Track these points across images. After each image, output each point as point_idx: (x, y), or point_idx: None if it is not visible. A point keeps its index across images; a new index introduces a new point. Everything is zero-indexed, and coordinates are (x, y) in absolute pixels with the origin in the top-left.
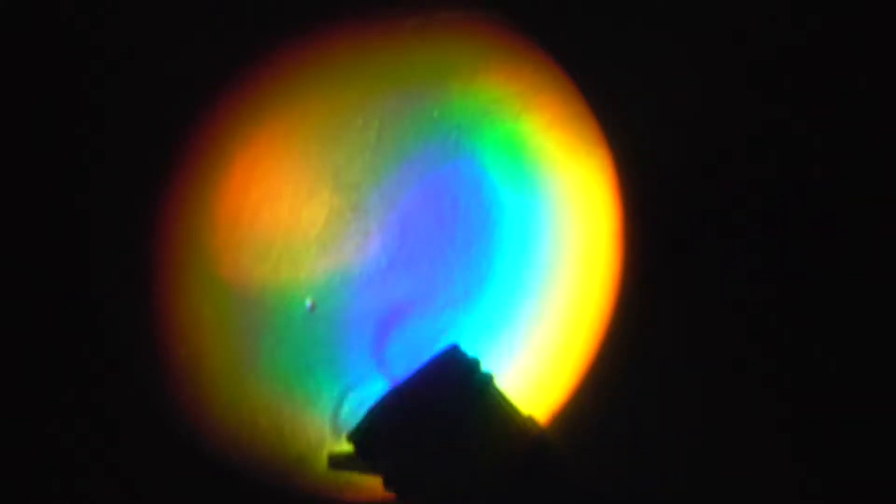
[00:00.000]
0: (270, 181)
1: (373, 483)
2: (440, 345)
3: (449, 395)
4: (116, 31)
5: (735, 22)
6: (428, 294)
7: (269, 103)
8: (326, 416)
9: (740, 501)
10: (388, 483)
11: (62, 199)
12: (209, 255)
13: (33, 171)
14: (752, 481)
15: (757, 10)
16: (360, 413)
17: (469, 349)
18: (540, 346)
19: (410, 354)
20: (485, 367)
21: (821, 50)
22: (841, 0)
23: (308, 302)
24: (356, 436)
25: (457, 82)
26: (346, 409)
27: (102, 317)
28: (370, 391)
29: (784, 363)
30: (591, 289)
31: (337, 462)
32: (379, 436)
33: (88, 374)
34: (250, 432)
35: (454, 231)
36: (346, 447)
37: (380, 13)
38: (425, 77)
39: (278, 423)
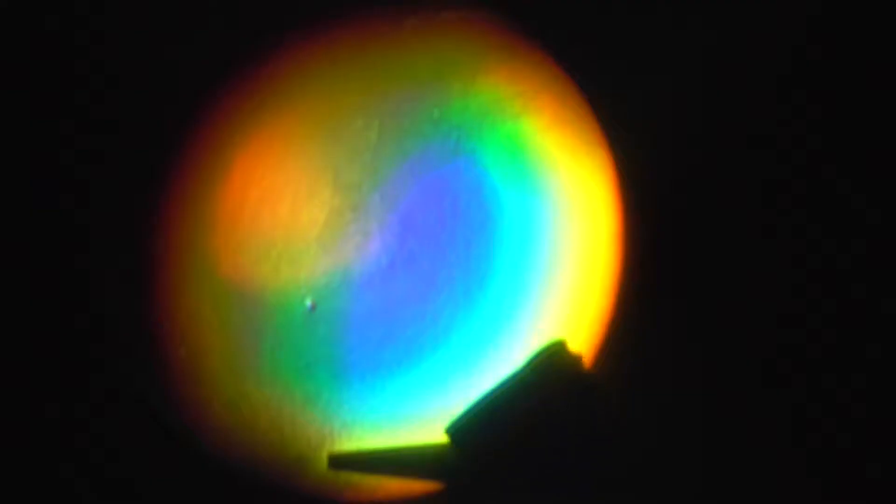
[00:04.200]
0: (270, 181)
1: (373, 483)
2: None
3: (552, 393)
4: (116, 31)
5: (735, 22)
6: (428, 294)
7: (269, 103)
8: (327, 416)
9: (741, 501)
10: (481, 478)
11: (62, 199)
12: (209, 255)
13: (33, 172)
14: (752, 483)
15: (757, 9)
16: (461, 410)
17: (469, 349)
18: (540, 346)
19: (410, 354)
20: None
21: (821, 49)
22: (841, 1)
23: (308, 302)
24: (454, 431)
25: (457, 82)
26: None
27: (102, 317)
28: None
29: (784, 362)
30: (590, 288)
31: (337, 462)
32: (478, 431)
33: (88, 373)
34: (250, 432)
35: (454, 231)
36: (347, 447)
37: (380, 13)
38: (425, 77)
39: (278, 423)
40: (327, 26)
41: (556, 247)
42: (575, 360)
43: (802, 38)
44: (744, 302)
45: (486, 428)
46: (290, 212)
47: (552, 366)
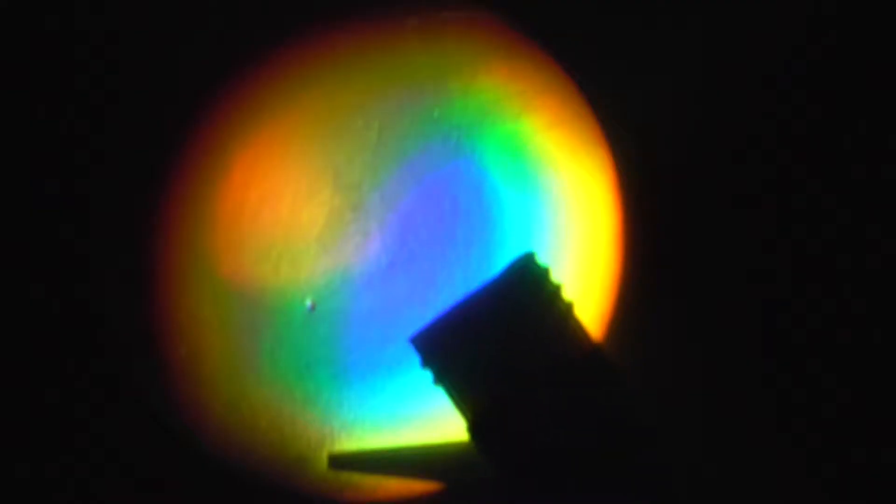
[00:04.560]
0: (270, 181)
1: (373, 483)
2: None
3: (520, 302)
4: (117, 31)
5: (735, 22)
6: (428, 294)
7: (269, 103)
8: (327, 416)
9: (738, 501)
10: (445, 387)
11: (62, 199)
12: (209, 255)
13: (34, 172)
14: (752, 483)
15: (756, 9)
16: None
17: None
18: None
19: (410, 354)
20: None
21: (820, 49)
22: (840, 1)
23: (308, 302)
24: (421, 340)
25: (457, 82)
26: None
27: (102, 316)
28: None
29: (783, 363)
30: (591, 288)
31: (337, 462)
32: (444, 341)
33: (89, 374)
34: (250, 432)
35: (454, 231)
36: (347, 447)
37: (380, 13)
38: (425, 77)
39: (278, 423)
40: (327, 26)
41: (556, 246)
42: (543, 272)
43: (802, 38)
44: (744, 302)
45: (451, 336)
46: (290, 212)
47: (520, 276)
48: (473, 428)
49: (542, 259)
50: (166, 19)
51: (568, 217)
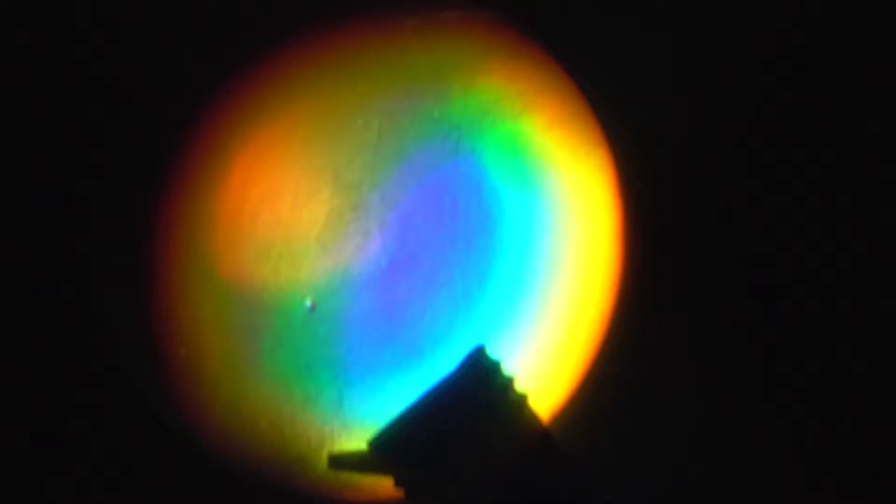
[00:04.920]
0: (270, 181)
1: (373, 483)
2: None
3: (471, 401)
4: (117, 32)
5: (734, 23)
6: (428, 294)
7: (269, 103)
8: (327, 416)
9: (735, 500)
10: (404, 488)
11: (63, 200)
12: (209, 255)
13: (34, 172)
14: (746, 484)
15: (756, 11)
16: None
17: (468, 349)
18: (540, 345)
19: (410, 354)
20: (505, 369)
21: (820, 50)
22: (839, 1)
23: (308, 302)
24: (378, 444)
25: (457, 82)
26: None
27: (103, 316)
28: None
29: (781, 362)
30: (591, 288)
31: (337, 462)
32: (401, 444)
33: (88, 374)
34: (250, 432)
35: (454, 231)
36: (347, 447)
37: (380, 13)
38: (425, 77)
39: (278, 423)
40: (328, 26)
41: (556, 247)
42: (493, 366)
43: (802, 38)
44: (743, 302)
45: (408, 438)
46: (290, 212)
47: (471, 373)
48: None
49: (493, 351)
50: (166, 19)
51: (568, 217)
